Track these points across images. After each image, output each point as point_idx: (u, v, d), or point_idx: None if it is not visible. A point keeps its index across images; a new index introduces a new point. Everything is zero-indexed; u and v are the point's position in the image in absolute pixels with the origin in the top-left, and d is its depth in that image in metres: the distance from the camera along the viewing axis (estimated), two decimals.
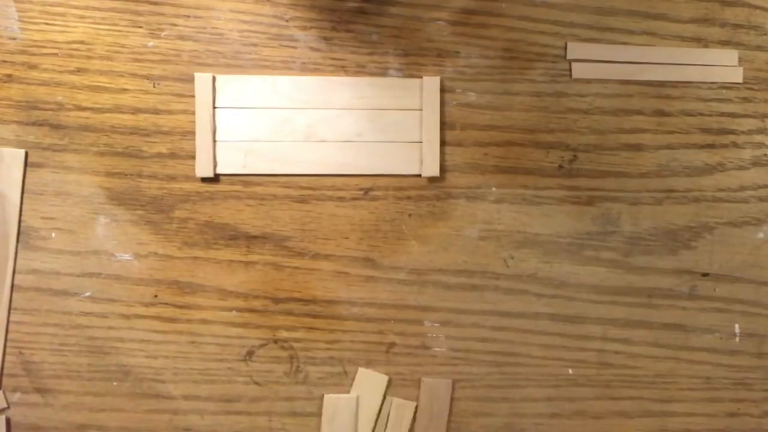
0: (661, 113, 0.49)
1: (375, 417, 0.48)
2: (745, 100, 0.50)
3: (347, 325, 0.49)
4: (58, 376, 0.49)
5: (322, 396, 0.50)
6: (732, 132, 0.50)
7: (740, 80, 0.47)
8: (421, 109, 0.48)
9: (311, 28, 0.48)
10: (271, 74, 0.48)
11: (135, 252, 0.48)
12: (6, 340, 0.48)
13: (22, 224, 0.48)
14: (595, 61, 0.46)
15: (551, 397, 0.51)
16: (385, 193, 0.49)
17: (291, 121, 0.48)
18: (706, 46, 0.49)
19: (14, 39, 0.47)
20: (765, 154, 0.50)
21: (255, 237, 0.49)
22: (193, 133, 0.48)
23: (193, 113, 0.47)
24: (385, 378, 0.49)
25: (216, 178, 0.48)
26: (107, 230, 0.48)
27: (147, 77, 0.47)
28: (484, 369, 0.50)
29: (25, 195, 0.48)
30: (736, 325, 0.51)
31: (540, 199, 0.49)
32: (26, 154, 0.47)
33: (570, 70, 0.48)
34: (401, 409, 0.49)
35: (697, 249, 0.50)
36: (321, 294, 0.49)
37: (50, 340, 0.48)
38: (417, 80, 0.48)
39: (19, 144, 0.47)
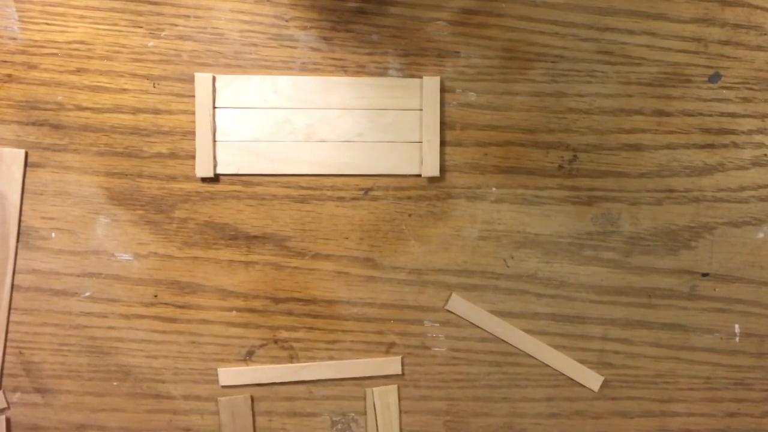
0: (661, 113, 0.49)
1: None
2: (745, 100, 0.50)
3: (347, 325, 0.49)
4: (58, 376, 0.49)
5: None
6: (732, 132, 0.50)
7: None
8: (421, 109, 0.48)
9: (311, 28, 0.48)
10: (271, 74, 0.48)
11: (135, 252, 0.48)
12: (6, 340, 0.48)
13: (22, 224, 0.48)
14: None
15: (551, 397, 0.51)
16: (385, 193, 0.49)
17: (291, 121, 0.48)
18: (706, 46, 0.49)
19: (14, 39, 0.47)
20: (765, 154, 0.50)
21: (255, 237, 0.49)
22: (193, 133, 0.48)
23: (193, 113, 0.47)
24: None
25: (216, 178, 0.48)
26: (107, 230, 0.48)
27: (147, 77, 0.47)
28: (484, 369, 0.50)
29: (25, 195, 0.48)
30: (736, 325, 0.51)
31: (540, 199, 0.49)
32: (26, 154, 0.47)
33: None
34: (384, 396, 0.49)
35: (697, 249, 0.50)
36: (321, 294, 0.49)
37: (50, 340, 0.48)
38: (417, 80, 0.48)
39: (19, 144, 0.47)
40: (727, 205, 0.50)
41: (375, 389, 0.49)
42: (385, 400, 0.49)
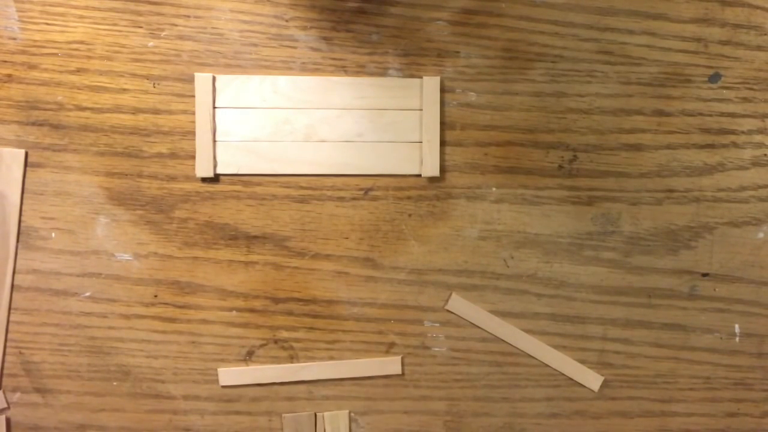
0: (661, 113, 0.49)
1: None
2: (745, 100, 0.50)
3: (347, 325, 0.49)
4: (58, 376, 0.49)
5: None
6: (732, 132, 0.50)
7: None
8: (421, 109, 0.48)
9: (311, 28, 0.48)
10: (271, 74, 0.48)
11: (135, 252, 0.48)
12: (6, 340, 0.48)
13: (22, 224, 0.48)
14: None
15: (551, 397, 0.51)
16: (385, 193, 0.49)
17: (291, 121, 0.48)
18: (706, 46, 0.49)
19: (14, 39, 0.47)
20: (765, 154, 0.50)
21: (255, 237, 0.49)
22: (193, 133, 0.48)
23: (193, 113, 0.47)
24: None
25: (216, 178, 0.48)
26: (107, 230, 0.48)
27: (147, 77, 0.47)
28: (484, 369, 0.50)
29: (25, 195, 0.48)
30: (736, 325, 0.51)
31: (540, 199, 0.49)
32: (26, 154, 0.47)
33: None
34: (335, 420, 0.49)
35: (697, 249, 0.50)
36: (321, 294, 0.49)
37: (50, 340, 0.48)
38: (417, 80, 0.48)
39: (19, 144, 0.47)
40: (727, 205, 0.50)
41: (326, 414, 0.49)
42: (335, 425, 0.49)
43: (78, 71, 0.47)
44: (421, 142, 0.48)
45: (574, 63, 0.49)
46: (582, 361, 0.50)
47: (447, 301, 0.49)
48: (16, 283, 0.48)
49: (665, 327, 0.51)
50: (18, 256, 0.48)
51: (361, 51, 0.48)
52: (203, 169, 0.47)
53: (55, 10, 0.47)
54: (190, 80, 0.47)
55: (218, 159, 0.48)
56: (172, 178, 0.48)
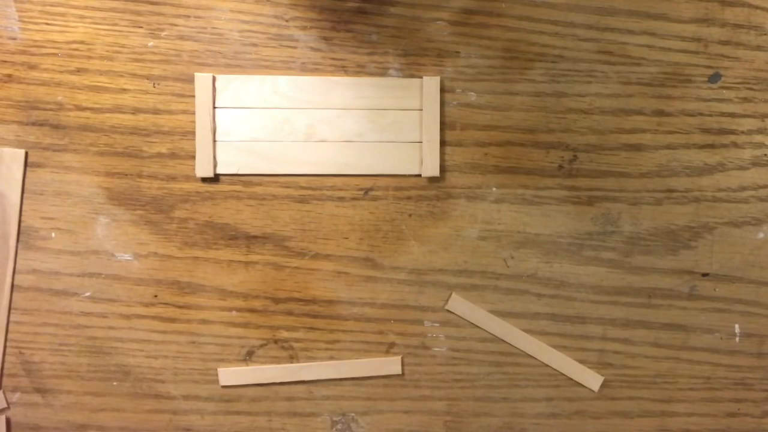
0: (661, 113, 0.49)
1: None
2: (745, 100, 0.50)
3: (347, 325, 0.49)
4: (58, 376, 0.49)
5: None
6: (732, 132, 0.50)
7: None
8: (421, 109, 0.48)
9: (311, 28, 0.48)
10: (271, 74, 0.48)
11: (135, 252, 0.48)
12: (6, 340, 0.48)
13: (22, 224, 0.48)
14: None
15: (551, 397, 0.51)
16: (385, 193, 0.49)
17: (291, 121, 0.48)
18: (706, 46, 0.49)
19: (14, 39, 0.47)
20: (765, 154, 0.50)
21: (255, 237, 0.49)
22: (193, 133, 0.48)
23: (193, 113, 0.47)
24: None
25: (216, 178, 0.48)
26: (107, 230, 0.48)
27: (147, 77, 0.47)
28: (484, 369, 0.50)
29: (25, 195, 0.48)
30: (736, 325, 0.51)
31: (540, 199, 0.49)
32: (26, 154, 0.47)
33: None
34: None
35: (697, 249, 0.50)
36: (321, 294, 0.49)
37: (50, 340, 0.48)
38: (417, 80, 0.48)
39: (19, 144, 0.47)
40: (727, 205, 0.50)
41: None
42: None
43: (78, 71, 0.47)
44: (421, 142, 0.48)
45: (574, 63, 0.49)
46: (582, 361, 0.50)
47: (447, 301, 0.49)
48: (16, 283, 0.48)
49: (665, 327, 0.51)
50: (18, 256, 0.48)
51: (361, 51, 0.48)
52: (203, 169, 0.47)
53: (55, 10, 0.47)
54: (190, 80, 0.47)
55: (218, 159, 0.48)
56: (172, 178, 0.48)
